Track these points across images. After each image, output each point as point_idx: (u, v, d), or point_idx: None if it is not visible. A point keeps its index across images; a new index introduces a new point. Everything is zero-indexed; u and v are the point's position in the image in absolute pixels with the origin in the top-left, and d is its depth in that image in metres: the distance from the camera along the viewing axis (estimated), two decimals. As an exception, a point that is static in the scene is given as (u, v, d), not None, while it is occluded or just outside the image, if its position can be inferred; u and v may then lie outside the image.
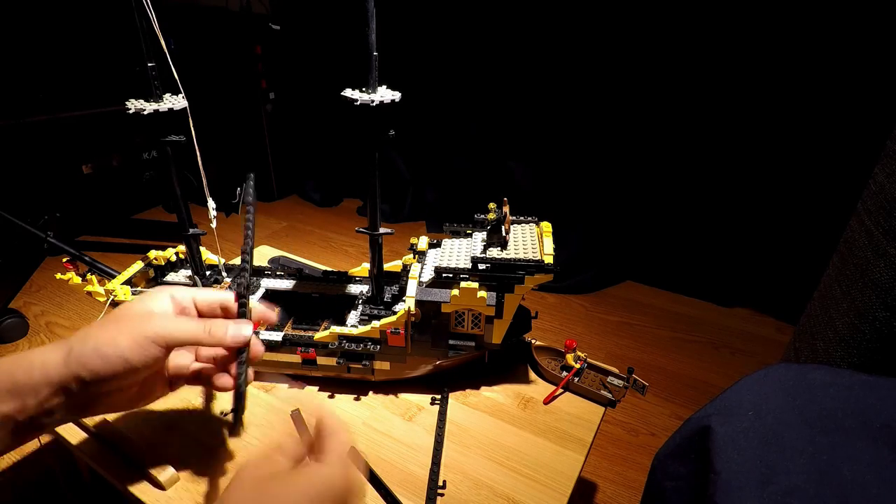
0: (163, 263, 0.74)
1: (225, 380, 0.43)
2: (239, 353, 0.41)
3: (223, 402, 0.63)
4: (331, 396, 0.66)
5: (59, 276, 0.67)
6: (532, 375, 0.71)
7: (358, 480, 0.35)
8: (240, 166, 2.07)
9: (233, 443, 0.57)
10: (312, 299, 0.75)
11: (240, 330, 0.39)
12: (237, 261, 0.94)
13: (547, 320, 1.44)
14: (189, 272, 0.73)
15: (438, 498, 0.53)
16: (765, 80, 1.33)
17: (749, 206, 1.45)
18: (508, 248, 0.60)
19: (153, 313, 0.38)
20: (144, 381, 0.40)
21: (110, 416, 0.60)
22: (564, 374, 0.67)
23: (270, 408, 0.63)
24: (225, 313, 0.42)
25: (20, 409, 0.34)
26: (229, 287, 0.64)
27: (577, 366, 0.68)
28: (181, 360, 0.44)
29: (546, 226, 0.64)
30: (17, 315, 1.26)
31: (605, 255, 1.64)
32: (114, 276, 0.69)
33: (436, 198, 2.02)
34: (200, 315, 0.41)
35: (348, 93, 0.54)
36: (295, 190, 2.28)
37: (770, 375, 0.38)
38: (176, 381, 0.44)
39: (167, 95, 0.61)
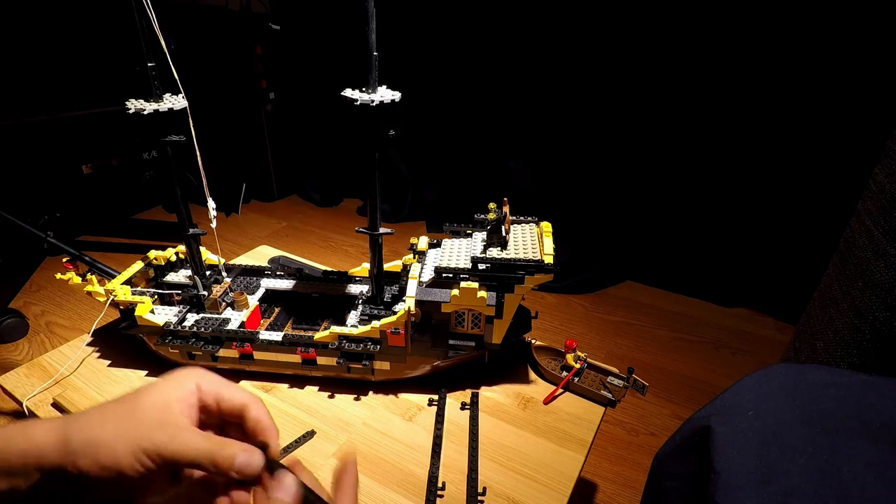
0: (163, 263, 0.74)
1: None
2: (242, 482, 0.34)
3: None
4: (331, 396, 0.66)
5: (59, 276, 0.67)
6: (532, 375, 0.71)
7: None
8: (240, 166, 2.07)
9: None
10: (312, 299, 0.75)
11: (250, 459, 0.33)
12: (237, 261, 0.95)
13: (547, 320, 1.44)
14: (189, 272, 0.73)
15: (438, 499, 0.53)
16: (765, 80, 1.33)
17: (749, 206, 1.45)
18: (508, 248, 0.60)
19: (169, 411, 0.34)
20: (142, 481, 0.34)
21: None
22: (564, 374, 0.67)
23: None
24: (243, 421, 0.36)
25: (9, 489, 0.32)
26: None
27: (577, 366, 0.68)
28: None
29: (546, 226, 0.64)
30: (17, 315, 1.26)
31: (605, 255, 1.64)
32: (114, 276, 0.69)
33: (436, 198, 2.02)
34: (221, 413, 0.36)
35: (348, 93, 0.54)
36: (295, 190, 2.28)
37: (770, 375, 0.38)
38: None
39: (167, 95, 0.61)
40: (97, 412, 0.33)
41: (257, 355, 0.65)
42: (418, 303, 0.60)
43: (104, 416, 0.33)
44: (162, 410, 0.33)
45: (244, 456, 0.33)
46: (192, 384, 0.35)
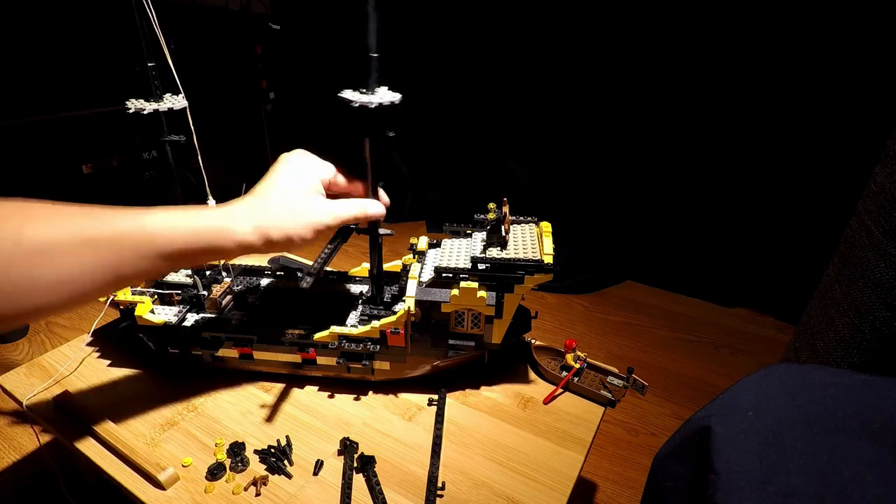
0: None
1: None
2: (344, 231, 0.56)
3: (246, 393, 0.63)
4: (331, 396, 0.66)
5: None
6: (532, 375, 0.71)
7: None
8: (240, 166, 2.07)
9: (233, 436, 0.57)
10: (312, 299, 0.75)
11: (379, 208, 0.55)
12: (237, 260, 0.94)
13: (547, 320, 1.44)
14: (189, 271, 0.73)
15: (438, 499, 0.53)
16: (765, 80, 1.33)
17: (749, 206, 1.45)
18: (508, 247, 0.60)
19: (319, 195, 0.51)
20: None
21: (111, 416, 0.60)
22: (564, 373, 0.67)
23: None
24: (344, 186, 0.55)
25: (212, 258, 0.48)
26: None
27: (577, 366, 0.68)
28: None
29: (546, 226, 0.64)
30: (17, 315, 1.26)
31: (605, 255, 1.64)
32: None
33: (436, 198, 2.02)
34: (333, 186, 0.54)
35: (347, 94, 0.54)
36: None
37: (770, 375, 0.38)
38: None
39: (167, 95, 0.61)
40: (276, 203, 0.48)
41: (257, 355, 0.65)
42: (418, 303, 0.60)
43: (284, 208, 0.48)
44: (316, 194, 0.51)
45: (376, 207, 0.55)
46: (318, 179, 0.52)
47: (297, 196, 0.49)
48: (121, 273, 0.39)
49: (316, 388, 0.67)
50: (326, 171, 0.53)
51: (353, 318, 0.67)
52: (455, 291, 0.58)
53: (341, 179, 0.54)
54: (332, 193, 0.54)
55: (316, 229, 0.48)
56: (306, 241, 0.48)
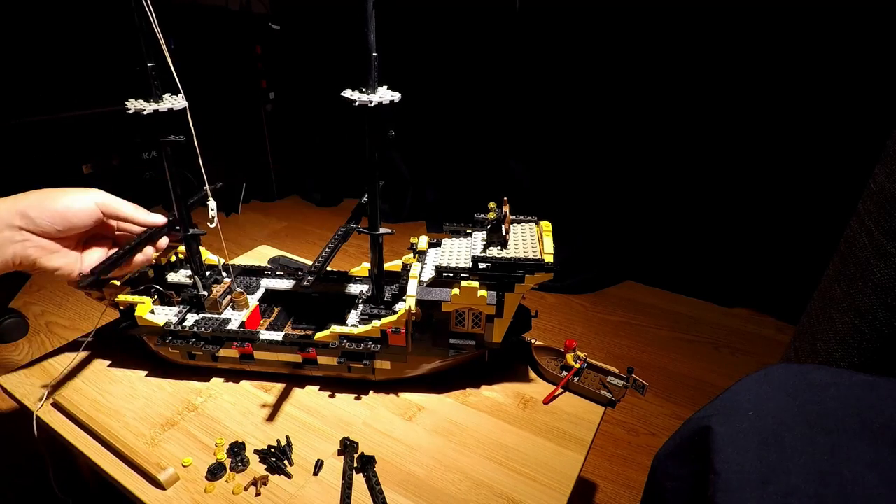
0: (163, 263, 0.74)
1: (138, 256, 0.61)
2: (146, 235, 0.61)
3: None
4: (331, 396, 0.66)
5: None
6: (532, 375, 0.71)
7: None
8: (240, 166, 2.07)
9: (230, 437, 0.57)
10: (312, 299, 0.75)
11: (158, 218, 0.62)
12: (237, 260, 0.95)
13: (547, 320, 1.45)
14: (189, 272, 0.73)
15: (439, 497, 0.53)
16: (765, 80, 1.33)
17: (749, 206, 1.45)
18: (508, 247, 0.60)
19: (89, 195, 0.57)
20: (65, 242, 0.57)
21: (111, 416, 0.60)
22: (564, 373, 0.67)
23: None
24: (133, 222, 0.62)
25: None
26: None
27: (577, 366, 0.68)
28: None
29: (546, 225, 0.64)
30: (17, 315, 1.26)
31: (605, 255, 1.64)
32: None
33: (436, 198, 2.02)
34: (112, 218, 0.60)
35: (348, 93, 0.54)
36: (295, 190, 2.28)
37: (770, 375, 0.38)
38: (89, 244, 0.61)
39: (167, 95, 0.61)
40: (40, 193, 0.55)
41: (257, 355, 0.65)
42: (419, 302, 0.60)
43: (48, 192, 0.55)
44: (85, 192, 0.58)
45: (157, 216, 0.62)
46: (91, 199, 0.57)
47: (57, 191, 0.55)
48: None
49: (317, 387, 0.67)
50: (104, 196, 0.59)
51: (353, 317, 0.67)
52: (456, 291, 0.58)
53: (122, 210, 0.60)
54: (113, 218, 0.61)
55: (81, 200, 0.55)
56: (72, 214, 0.54)
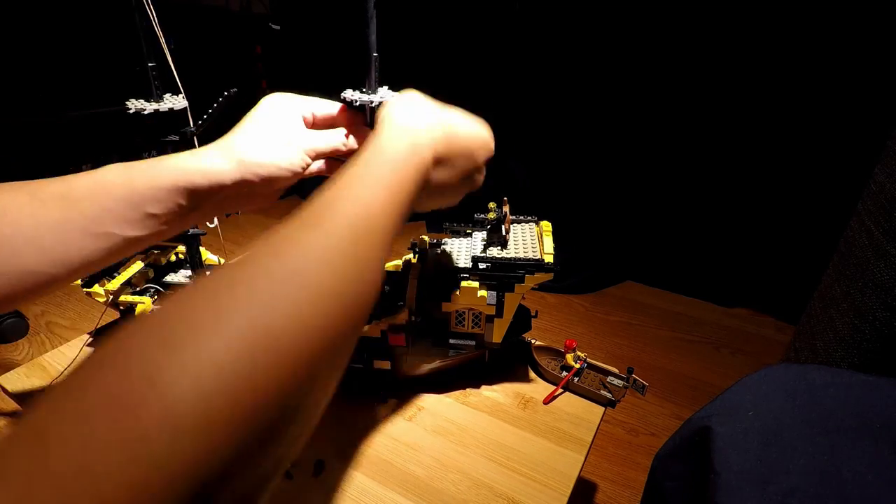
0: (163, 263, 0.74)
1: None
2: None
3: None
4: (331, 396, 0.66)
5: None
6: (532, 375, 0.71)
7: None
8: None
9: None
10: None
11: (354, 142, 0.52)
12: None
13: (547, 320, 1.44)
14: (189, 272, 0.73)
15: (439, 497, 0.53)
16: (765, 79, 1.33)
17: (749, 206, 1.45)
18: (508, 247, 0.60)
19: (298, 125, 0.49)
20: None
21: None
22: (564, 374, 0.67)
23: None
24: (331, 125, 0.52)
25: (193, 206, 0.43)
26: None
27: (577, 366, 0.68)
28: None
29: (546, 225, 0.64)
30: (17, 315, 1.26)
31: (605, 255, 1.64)
32: (114, 277, 0.69)
33: (436, 198, 2.02)
34: (315, 126, 0.51)
35: (348, 93, 0.54)
36: (295, 190, 2.27)
37: (770, 375, 0.38)
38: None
39: (167, 95, 0.61)
40: (248, 135, 0.48)
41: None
42: (418, 300, 0.60)
43: (257, 136, 0.48)
44: (294, 122, 0.50)
45: (353, 139, 0.52)
46: (299, 113, 0.50)
47: (272, 127, 0.48)
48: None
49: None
50: (306, 106, 0.51)
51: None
52: (456, 291, 0.58)
53: (324, 112, 0.52)
54: (319, 128, 0.52)
55: (291, 158, 0.47)
56: (284, 171, 0.47)
